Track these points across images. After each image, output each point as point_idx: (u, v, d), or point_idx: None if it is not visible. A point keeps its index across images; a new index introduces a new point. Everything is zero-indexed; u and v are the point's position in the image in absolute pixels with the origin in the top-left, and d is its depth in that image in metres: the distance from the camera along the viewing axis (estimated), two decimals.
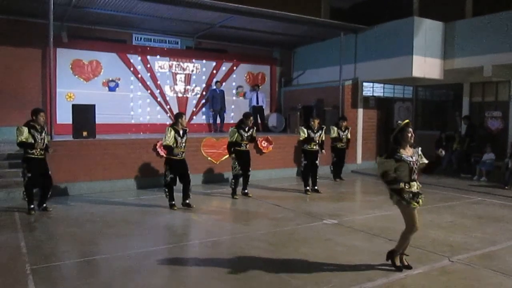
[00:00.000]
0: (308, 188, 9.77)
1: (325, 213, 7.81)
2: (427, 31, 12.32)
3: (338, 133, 11.41)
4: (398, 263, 4.94)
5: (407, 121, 4.91)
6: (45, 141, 7.60)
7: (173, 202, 8.04)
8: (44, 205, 7.71)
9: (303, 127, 9.83)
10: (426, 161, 4.95)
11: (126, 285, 4.47)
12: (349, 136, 11.66)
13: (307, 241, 6.08)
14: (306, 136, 9.64)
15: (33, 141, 7.31)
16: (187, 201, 8.07)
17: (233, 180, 9.10)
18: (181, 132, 7.86)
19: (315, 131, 9.69)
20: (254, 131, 9.20)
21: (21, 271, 4.75)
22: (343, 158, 11.76)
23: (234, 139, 8.89)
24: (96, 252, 5.64)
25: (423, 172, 5.00)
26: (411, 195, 4.73)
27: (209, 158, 11.01)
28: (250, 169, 9.21)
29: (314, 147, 9.73)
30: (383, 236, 6.22)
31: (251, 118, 9.14)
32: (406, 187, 4.73)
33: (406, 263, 4.98)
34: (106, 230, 6.58)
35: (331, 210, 8.04)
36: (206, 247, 5.93)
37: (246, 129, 8.98)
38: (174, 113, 13.78)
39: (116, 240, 6.11)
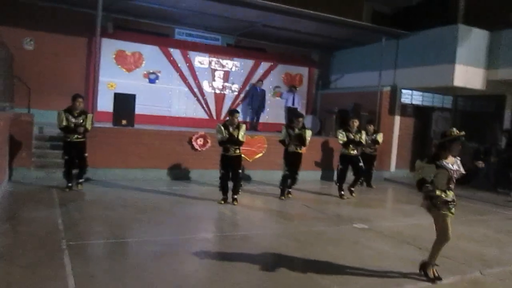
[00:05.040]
0: (343, 192, 9.59)
1: (355, 217, 7.75)
2: (472, 39, 11.99)
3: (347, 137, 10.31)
4: (431, 274, 4.82)
5: (463, 133, 4.77)
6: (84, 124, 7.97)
7: (223, 197, 8.11)
8: (80, 180, 8.29)
9: (341, 130, 9.65)
10: (464, 172, 4.83)
11: (156, 268, 4.58)
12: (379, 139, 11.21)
13: (335, 243, 6.06)
14: (345, 139, 9.44)
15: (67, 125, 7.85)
16: (235, 196, 8.11)
17: (281, 181, 9.01)
18: (230, 128, 7.86)
19: (354, 133, 9.51)
20: (305, 132, 8.81)
21: (57, 246, 4.96)
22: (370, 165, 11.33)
23: (283, 138, 8.88)
24: (128, 235, 5.82)
25: (459, 183, 4.88)
26: (445, 203, 4.64)
27: (243, 156, 11.06)
28: (298, 171, 9.00)
29: (352, 152, 9.53)
30: (414, 244, 6.12)
31: (300, 119, 8.90)
32: (443, 195, 4.66)
33: (436, 274, 4.87)
34: (138, 216, 6.76)
35: (361, 215, 7.97)
36: (234, 240, 5.99)
37: (296, 129, 8.79)
38: (211, 108, 14.12)
39: (148, 226, 6.26)
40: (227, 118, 8.21)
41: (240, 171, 8.12)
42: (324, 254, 5.46)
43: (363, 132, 9.82)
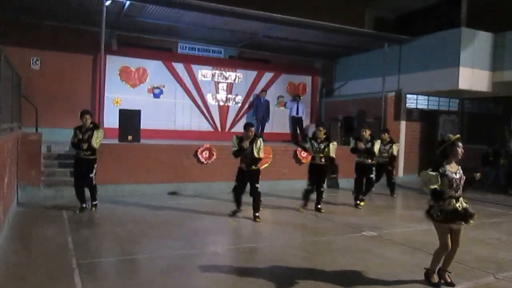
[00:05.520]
0: (358, 202, 9.43)
1: (365, 225, 7.69)
2: (475, 42, 12.01)
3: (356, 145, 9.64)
4: (434, 280, 4.80)
5: (458, 135, 4.76)
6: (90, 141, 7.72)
7: (235, 209, 7.96)
8: (94, 202, 8.04)
9: (353, 138, 9.53)
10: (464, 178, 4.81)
11: (166, 284, 4.58)
12: (394, 152, 10.80)
13: (345, 252, 6.02)
14: (353, 146, 9.37)
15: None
16: (256, 214, 7.73)
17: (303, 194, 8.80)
18: (244, 142, 7.61)
19: (365, 143, 9.22)
20: (330, 146, 8.49)
21: (68, 264, 4.97)
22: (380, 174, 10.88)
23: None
24: (138, 251, 5.81)
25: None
26: (442, 212, 4.62)
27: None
28: (323, 185, 8.67)
29: (366, 161, 9.29)
30: (424, 250, 6.05)
31: (321, 128, 8.66)
32: (440, 204, 4.64)
33: (449, 280, 4.82)
34: (147, 231, 6.77)
35: (370, 222, 7.91)
36: (244, 252, 5.98)
37: (318, 140, 8.56)
38: (215, 120, 14.18)
39: (157, 241, 6.27)
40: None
41: (258, 185, 7.73)
42: (333, 264, 5.43)
43: (376, 143, 9.35)
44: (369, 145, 9.21)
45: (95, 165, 7.94)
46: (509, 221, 8.54)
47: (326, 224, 7.77)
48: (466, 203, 4.75)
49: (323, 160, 8.54)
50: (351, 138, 9.63)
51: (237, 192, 7.91)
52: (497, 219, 8.64)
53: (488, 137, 13.81)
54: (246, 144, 7.60)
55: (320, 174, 8.60)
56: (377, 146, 9.34)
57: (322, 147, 8.50)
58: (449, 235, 4.70)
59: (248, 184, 7.80)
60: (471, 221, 4.68)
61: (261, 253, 5.93)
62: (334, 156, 8.58)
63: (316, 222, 7.93)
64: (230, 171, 10.50)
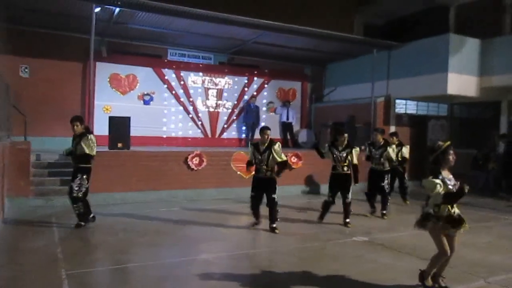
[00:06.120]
0: (373, 210, 9.19)
1: (356, 230, 7.71)
2: (463, 48, 12.15)
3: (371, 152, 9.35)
4: (429, 283, 4.81)
5: (449, 142, 4.78)
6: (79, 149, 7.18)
7: (254, 221, 7.69)
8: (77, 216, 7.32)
9: (367, 143, 9.37)
10: None
11: None
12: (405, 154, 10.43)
13: (337, 257, 6.03)
14: (368, 154, 9.14)
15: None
16: (273, 225, 7.40)
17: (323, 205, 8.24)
18: (261, 148, 7.39)
19: (377, 148, 8.96)
20: (353, 153, 7.98)
21: (57, 276, 4.89)
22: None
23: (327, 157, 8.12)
24: (129, 260, 5.75)
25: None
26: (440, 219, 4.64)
27: (238, 172, 11.06)
28: (348, 195, 7.99)
29: (377, 167, 8.97)
30: (416, 255, 6.09)
31: (345, 135, 8.03)
32: (448, 210, 4.65)
33: (443, 285, 4.83)
34: (139, 239, 6.71)
35: (362, 228, 7.93)
36: (236, 259, 5.95)
37: (340, 148, 8.02)
38: (205, 127, 14.16)
39: (149, 249, 6.22)
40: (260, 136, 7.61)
41: (275, 196, 7.34)
42: (325, 270, 5.42)
43: (390, 149, 9.05)
44: (380, 150, 8.95)
45: (80, 175, 7.17)
46: (499, 225, 8.61)
47: (317, 230, 7.75)
48: (458, 209, 4.77)
49: (345, 168, 7.97)
50: (367, 143, 9.46)
51: (256, 203, 7.58)
52: (487, 223, 8.71)
53: (477, 142, 13.93)
54: (267, 152, 7.29)
55: (345, 184, 8.00)
56: (391, 151, 9.12)
57: (345, 155, 7.95)
58: (446, 241, 4.71)
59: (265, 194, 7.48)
60: (465, 226, 4.70)
61: (253, 260, 5.91)
62: (357, 162, 8.05)
63: (307, 229, 7.91)
64: (221, 177, 10.53)
